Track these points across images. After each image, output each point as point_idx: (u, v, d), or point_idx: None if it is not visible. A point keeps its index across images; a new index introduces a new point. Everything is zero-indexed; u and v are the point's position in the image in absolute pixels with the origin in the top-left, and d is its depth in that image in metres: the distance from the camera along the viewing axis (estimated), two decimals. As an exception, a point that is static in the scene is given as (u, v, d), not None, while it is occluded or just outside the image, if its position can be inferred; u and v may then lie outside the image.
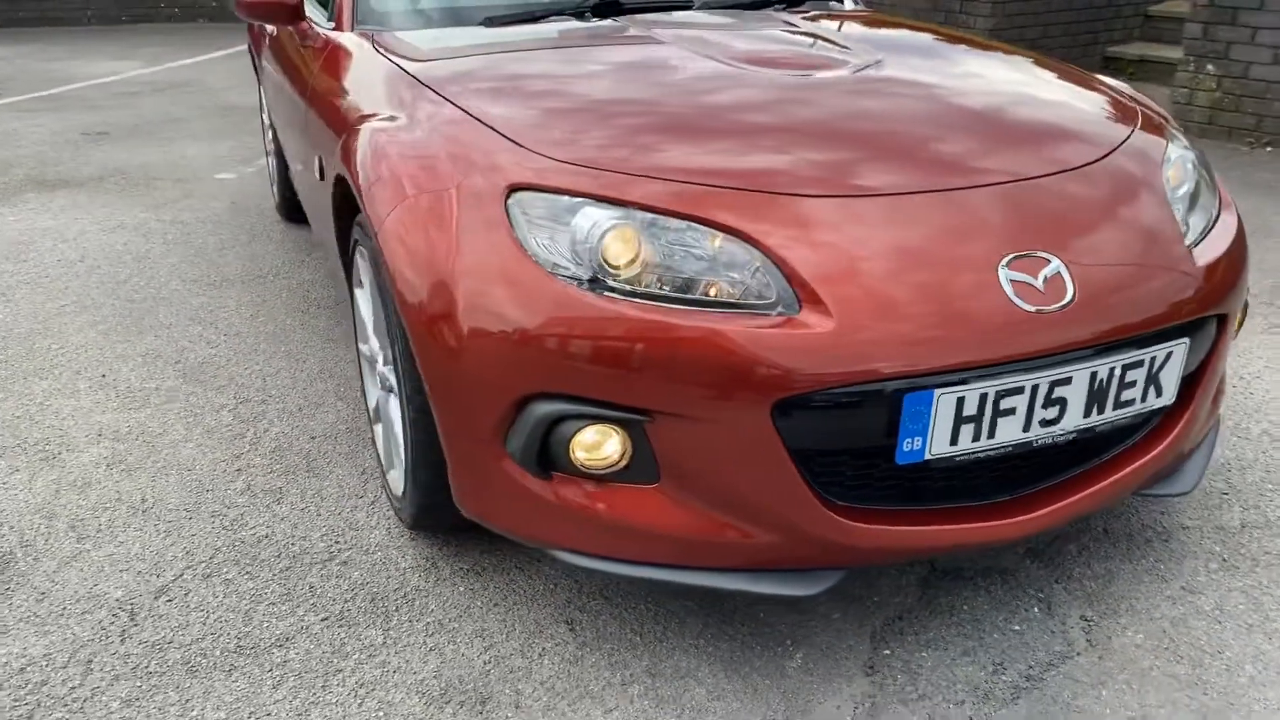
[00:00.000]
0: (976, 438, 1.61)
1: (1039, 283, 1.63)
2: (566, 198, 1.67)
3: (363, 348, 2.33)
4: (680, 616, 1.93)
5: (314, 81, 2.65)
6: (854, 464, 1.63)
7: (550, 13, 2.64)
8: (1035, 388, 1.61)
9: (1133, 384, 1.70)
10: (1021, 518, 1.70)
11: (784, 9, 2.86)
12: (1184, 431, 1.87)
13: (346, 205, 2.24)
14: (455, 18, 2.65)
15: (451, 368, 1.69)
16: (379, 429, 2.32)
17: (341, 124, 2.25)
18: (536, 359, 1.61)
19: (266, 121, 4.28)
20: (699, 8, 2.75)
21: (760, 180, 1.70)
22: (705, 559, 1.68)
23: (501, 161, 1.75)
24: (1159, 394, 1.75)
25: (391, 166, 1.88)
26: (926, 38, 2.57)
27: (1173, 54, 6.41)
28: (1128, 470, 1.80)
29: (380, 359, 2.13)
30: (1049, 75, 2.31)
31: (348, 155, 2.05)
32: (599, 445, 1.64)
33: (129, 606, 1.95)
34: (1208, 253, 1.84)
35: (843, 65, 2.21)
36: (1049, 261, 1.66)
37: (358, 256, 2.17)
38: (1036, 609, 1.96)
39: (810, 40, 2.43)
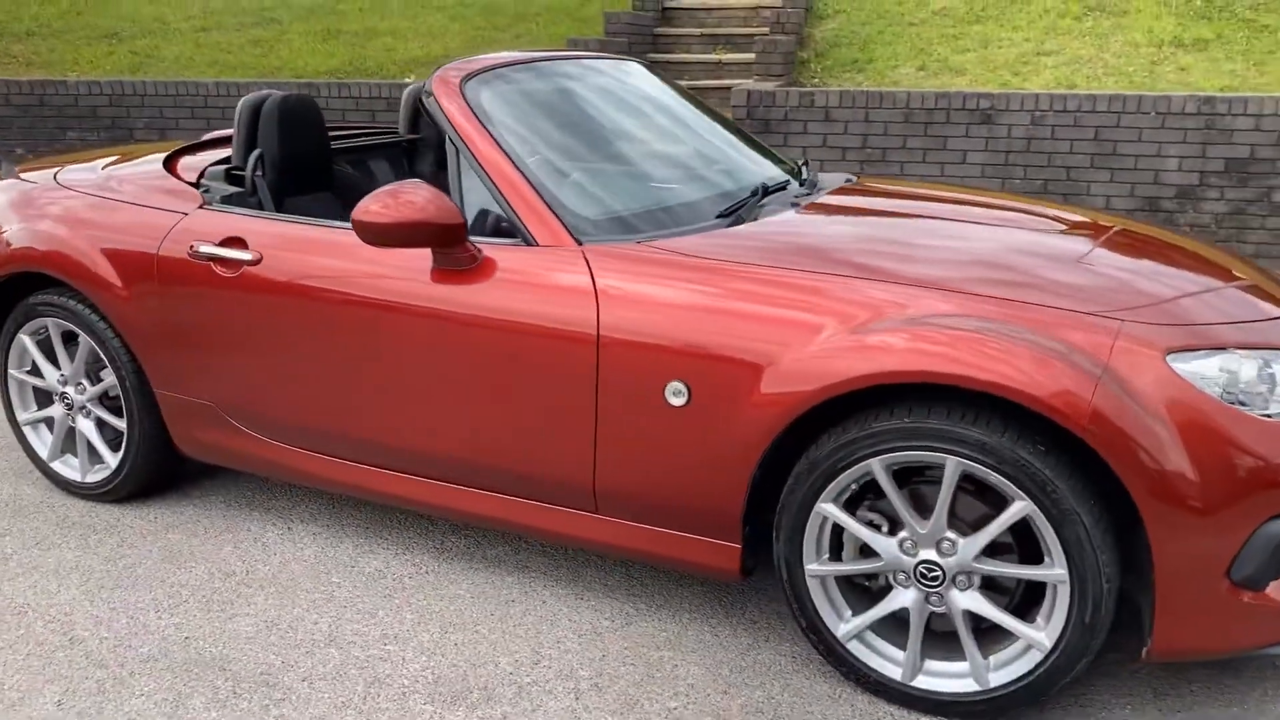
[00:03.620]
0: None
1: None
2: (1208, 350, 2.00)
3: (818, 567, 2.21)
4: (1207, 675, 2.30)
5: (537, 307, 2.33)
6: None
7: (750, 200, 2.68)
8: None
9: None
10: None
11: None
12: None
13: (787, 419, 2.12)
14: (674, 219, 2.54)
15: (1190, 520, 1.89)
16: (865, 647, 2.22)
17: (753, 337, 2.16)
18: (1268, 487, 1.92)
19: (57, 386, 3.14)
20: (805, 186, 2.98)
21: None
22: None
23: (1136, 335, 1.99)
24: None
25: (1016, 366, 1.94)
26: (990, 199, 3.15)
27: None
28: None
29: (940, 557, 2.09)
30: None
31: (874, 363, 2.01)
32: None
33: None
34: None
35: (1064, 223, 2.73)
36: None
37: (874, 464, 2.08)
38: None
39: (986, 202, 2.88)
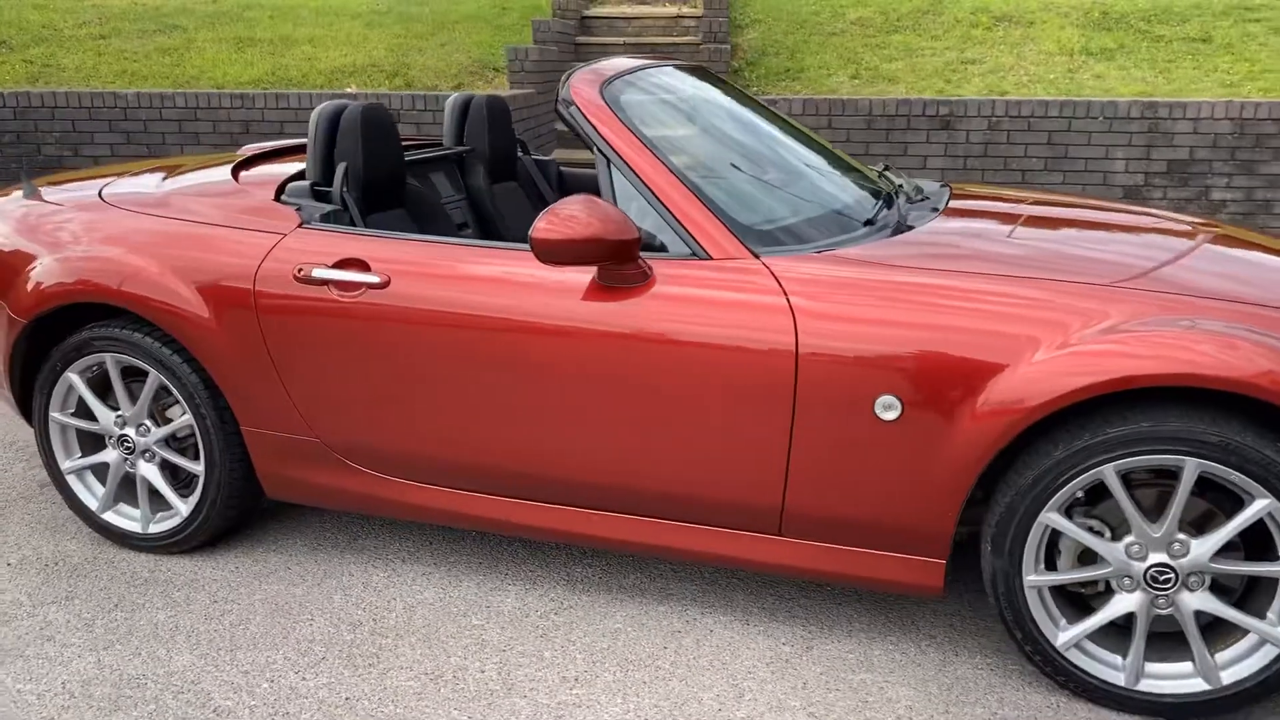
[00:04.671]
0: None
1: None
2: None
3: (1037, 578, 2.18)
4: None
5: (721, 324, 2.23)
6: None
7: (894, 207, 2.66)
8: None
9: None
10: None
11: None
12: None
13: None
14: (829, 228, 2.47)
15: None
16: (1083, 655, 2.21)
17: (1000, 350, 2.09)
18: None
19: (113, 429, 2.82)
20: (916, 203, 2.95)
21: None
22: None
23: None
24: None
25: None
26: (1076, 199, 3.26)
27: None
28: None
29: (1172, 560, 2.09)
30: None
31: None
32: None
33: None
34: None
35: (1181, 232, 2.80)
36: None
37: (1106, 471, 2.05)
38: None
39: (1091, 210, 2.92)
